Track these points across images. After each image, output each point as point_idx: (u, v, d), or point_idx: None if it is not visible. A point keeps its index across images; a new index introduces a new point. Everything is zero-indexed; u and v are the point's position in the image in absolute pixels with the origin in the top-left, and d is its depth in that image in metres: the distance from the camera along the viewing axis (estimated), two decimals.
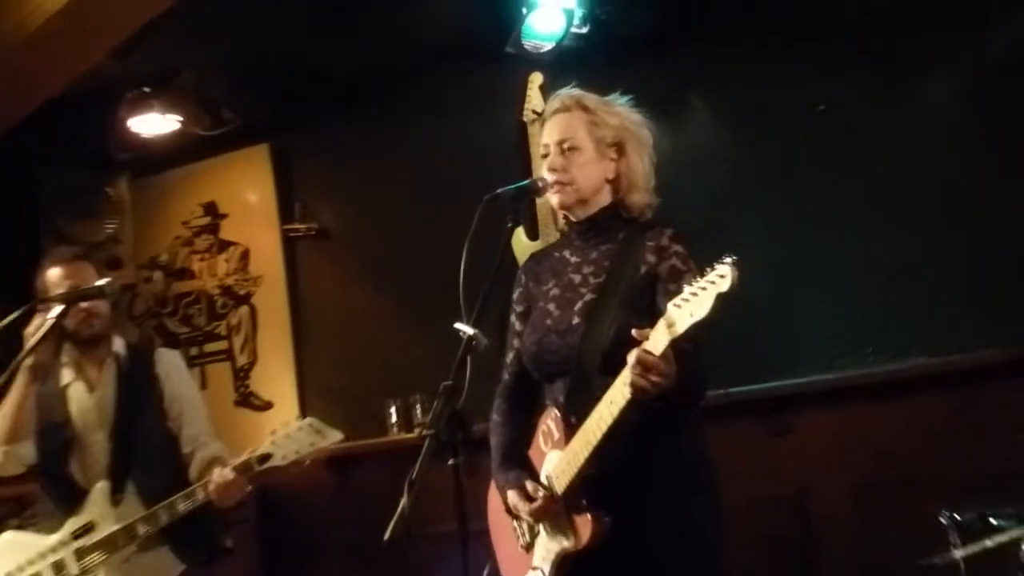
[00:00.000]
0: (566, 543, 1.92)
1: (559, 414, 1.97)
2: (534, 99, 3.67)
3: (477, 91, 3.99)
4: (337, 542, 4.01)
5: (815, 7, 3.49)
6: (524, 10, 3.43)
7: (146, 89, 3.92)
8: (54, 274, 2.75)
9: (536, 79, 3.68)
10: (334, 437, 2.60)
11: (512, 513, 2.03)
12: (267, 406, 4.40)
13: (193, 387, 2.98)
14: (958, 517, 2.35)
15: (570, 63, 3.52)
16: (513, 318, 2.21)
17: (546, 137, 2.12)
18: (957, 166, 3.27)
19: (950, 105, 3.30)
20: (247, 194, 4.54)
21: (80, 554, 2.61)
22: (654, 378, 1.68)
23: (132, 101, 3.96)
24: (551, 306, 2.10)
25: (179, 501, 2.58)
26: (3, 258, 3.98)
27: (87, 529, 2.62)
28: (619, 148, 2.09)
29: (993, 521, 2.30)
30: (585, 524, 1.88)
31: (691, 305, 1.61)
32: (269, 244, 4.46)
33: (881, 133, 3.38)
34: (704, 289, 1.59)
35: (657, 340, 1.68)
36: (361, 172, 4.33)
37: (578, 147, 2.06)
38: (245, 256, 4.53)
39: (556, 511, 1.93)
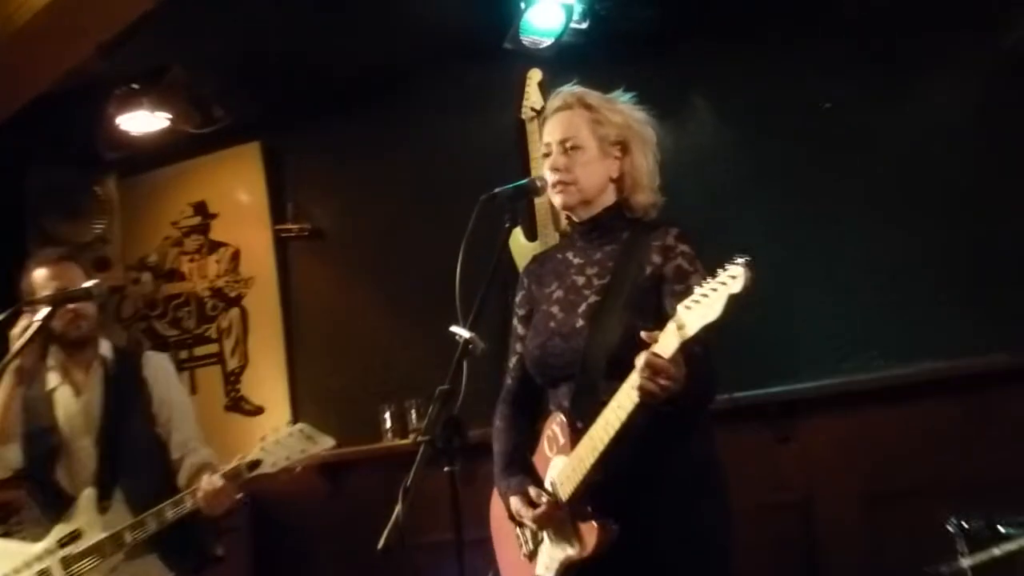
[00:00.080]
0: (571, 551, 1.90)
1: (565, 419, 1.96)
2: (533, 96, 3.64)
3: (474, 88, 3.96)
4: (329, 551, 3.99)
5: (815, 6, 3.49)
6: (523, 5, 3.40)
7: (135, 86, 3.88)
8: (40, 275, 2.74)
9: (535, 76, 3.66)
10: (326, 443, 2.59)
11: (515, 520, 2.01)
12: (258, 411, 4.36)
13: (182, 391, 2.98)
14: (966, 525, 2.34)
15: (569, 60, 3.50)
16: (515, 322, 2.20)
17: (548, 136, 2.10)
18: (957, 166, 3.27)
19: (950, 105, 3.30)
20: (238, 193, 4.50)
21: (67, 563, 2.60)
22: (663, 382, 1.67)
23: (120, 98, 3.92)
24: (554, 309, 2.08)
25: (167, 509, 2.57)
26: None
27: (74, 537, 2.61)
28: (623, 146, 2.07)
29: (1002, 529, 2.30)
30: (591, 532, 1.86)
31: (702, 307, 1.59)
32: (261, 245, 4.42)
33: (881, 133, 3.38)
34: (715, 290, 1.57)
35: (666, 343, 1.66)
36: (355, 171, 4.30)
37: (581, 146, 2.04)
38: (236, 257, 4.49)
39: (561, 518, 1.92)
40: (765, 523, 3.16)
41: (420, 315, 3.88)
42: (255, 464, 2.53)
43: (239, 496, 2.61)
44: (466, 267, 1.90)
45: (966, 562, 2.30)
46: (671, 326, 1.64)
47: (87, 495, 2.64)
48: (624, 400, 1.75)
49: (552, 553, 1.95)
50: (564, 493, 1.90)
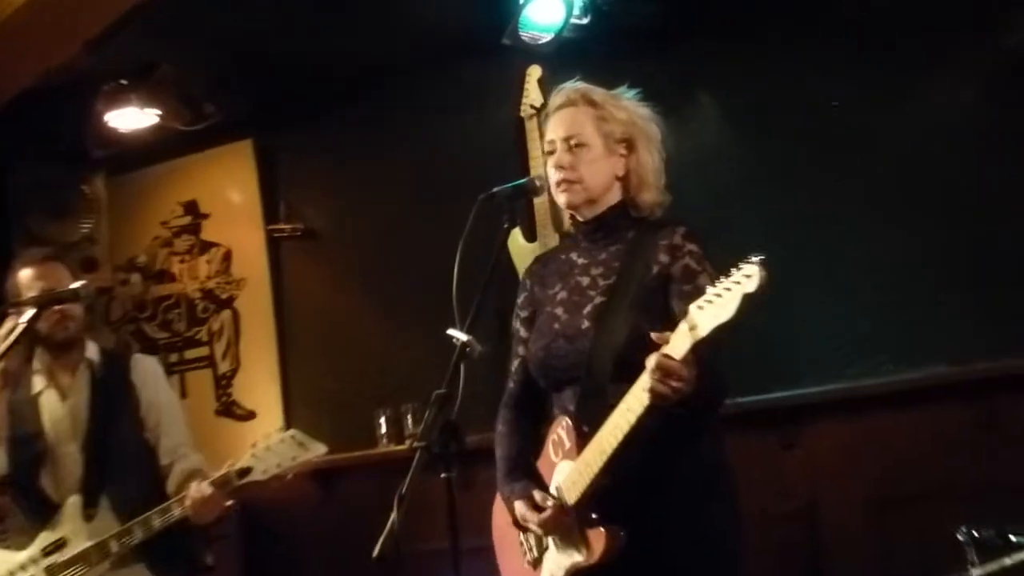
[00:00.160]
0: (578, 557, 1.88)
1: (571, 423, 1.93)
2: (532, 93, 3.61)
3: (472, 86, 3.92)
4: (322, 559, 3.94)
5: (815, 6, 3.49)
6: (521, 0, 3.36)
7: (123, 81, 3.83)
8: (26, 276, 2.71)
9: (534, 72, 3.62)
10: (317, 450, 2.57)
11: (519, 525, 1.99)
12: (250, 416, 4.31)
13: (172, 395, 2.95)
14: (976, 533, 2.31)
15: (570, 56, 3.47)
16: (517, 324, 2.18)
17: (551, 133, 2.08)
18: (957, 166, 3.27)
19: (950, 105, 3.31)
20: (229, 192, 4.45)
21: (51, 571, 2.58)
22: (675, 384, 1.64)
23: (109, 94, 3.87)
24: (559, 310, 2.06)
25: (154, 517, 2.54)
26: None
27: (59, 545, 2.58)
28: (628, 144, 2.05)
29: (1013, 538, 2.26)
30: (599, 538, 1.84)
31: (715, 306, 1.56)
32: (253, 245, 4.37)
33: (881, 133, 3.39)
34: (729, 289, 1.54)
35: (678, 344, 1.64)
36: (349, 169, 4.26)
37: (586, 143, 2.03)
38: (227, 258, 4.44)
39: (567, 523, 1.90)
40: (770, 530, 3.14)
41: (416, 317, 3.85)
42: (245, 471, 2.50)
43: (229, 504, 2.59)
44: (463, 268, 1.88)
45: (976, 572, 2.27)
46: (683, 326, 1.62)
47: (73, 502, 2.61)
48: (634, 403, 1.72)
49: (558, 560, 1.93)
50: (570, 498, 1.88)
